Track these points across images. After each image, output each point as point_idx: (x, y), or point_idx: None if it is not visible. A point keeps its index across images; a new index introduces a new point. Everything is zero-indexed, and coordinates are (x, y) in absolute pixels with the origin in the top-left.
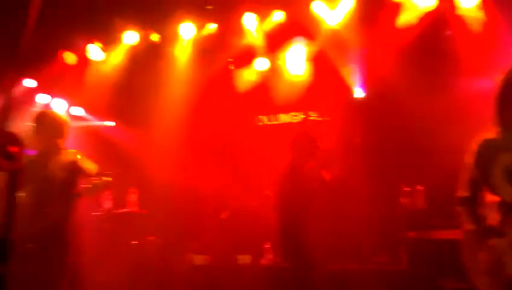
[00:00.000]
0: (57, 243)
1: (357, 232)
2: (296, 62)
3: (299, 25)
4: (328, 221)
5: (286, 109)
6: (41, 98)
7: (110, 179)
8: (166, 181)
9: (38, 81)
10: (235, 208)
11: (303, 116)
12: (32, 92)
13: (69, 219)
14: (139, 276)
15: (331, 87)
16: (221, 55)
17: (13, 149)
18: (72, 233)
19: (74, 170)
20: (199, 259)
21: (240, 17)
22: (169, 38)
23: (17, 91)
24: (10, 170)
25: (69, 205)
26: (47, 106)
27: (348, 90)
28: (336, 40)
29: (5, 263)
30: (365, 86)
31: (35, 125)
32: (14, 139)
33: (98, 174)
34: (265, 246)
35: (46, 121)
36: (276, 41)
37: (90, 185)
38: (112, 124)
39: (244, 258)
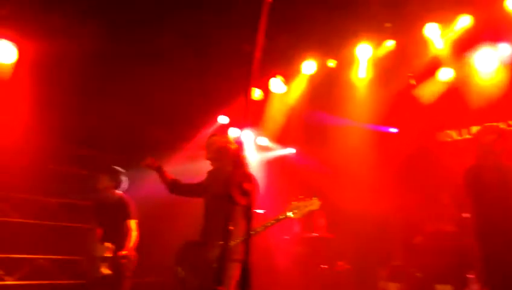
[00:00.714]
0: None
1: None
2: (488, 67)
3: (490, 26)
4: None
5: (479, 120)
6: (233, 132)
7: (318, 202)
8: (353, 205)
9: (230, 117)
10: (428, 232)
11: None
12: (225, 127)
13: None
14: None
15: None
16: (402, 70)
17: (248, 186)
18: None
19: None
20: (393, 287)
21: (419, 28)
22: (346, 62)
23: (212, 127)
24: (245, 204)
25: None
26: (237, 138)
27: None
28: None
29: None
30: None
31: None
32: (248, 177)
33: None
34: (469, 276)
35: (210, 144)
36: (463, 47)
37: (294, 208)
38: (292, 151)
39: (444, 289)
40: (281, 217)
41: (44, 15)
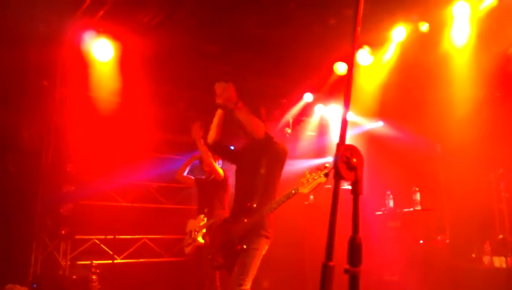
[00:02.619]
0: None
1: None
2: None
3: None
4: None
5: None
6: (319, 109)
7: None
8: (452, 177)
9: (316, 94)
10: None
11: None
12: (311, 104)
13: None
14: (429, 276)
15: None
16: (506, 28)
17: (354, 161)
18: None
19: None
20: (499, 261)
21: None
22: (439, 25)
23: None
24: (351, 180)
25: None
26: (322, 115)
27: None
28: None
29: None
30: None
31: None
32: (355, 151)
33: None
34: None
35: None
36: None
37: (305, 182)
38: (381, 124)
39: None
40: (292, 192)
41: (136, 13)
